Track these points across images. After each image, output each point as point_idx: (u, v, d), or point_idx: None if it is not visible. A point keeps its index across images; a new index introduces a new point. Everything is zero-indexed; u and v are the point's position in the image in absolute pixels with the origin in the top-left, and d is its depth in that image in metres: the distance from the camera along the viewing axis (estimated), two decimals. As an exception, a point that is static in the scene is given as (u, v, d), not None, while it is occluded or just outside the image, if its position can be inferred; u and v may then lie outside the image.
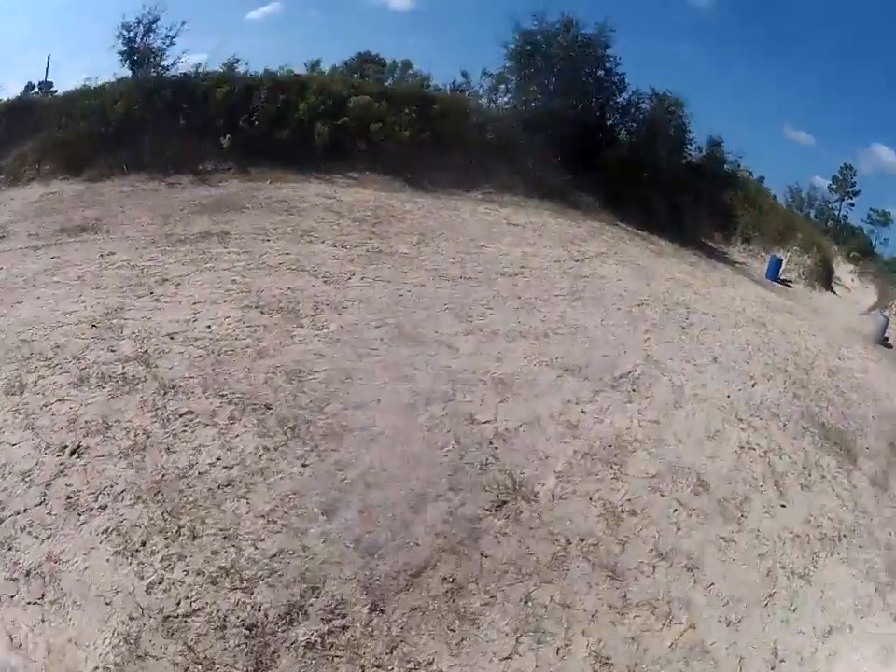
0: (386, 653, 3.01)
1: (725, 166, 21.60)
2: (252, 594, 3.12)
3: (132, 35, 13.91)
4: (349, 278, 6.95)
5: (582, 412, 5.18)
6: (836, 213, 49.32)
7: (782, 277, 18.22)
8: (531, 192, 13.65)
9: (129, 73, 13.85)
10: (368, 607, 3.18)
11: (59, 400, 4.27)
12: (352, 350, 5.35)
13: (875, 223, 48.30)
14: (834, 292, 21.00)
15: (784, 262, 18.59)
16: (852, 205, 48.51)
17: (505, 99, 17.32)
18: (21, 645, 2.77)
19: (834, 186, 48.86)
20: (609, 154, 16.89)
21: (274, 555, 3.33)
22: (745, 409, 6.00)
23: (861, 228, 48.90)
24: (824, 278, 20.34)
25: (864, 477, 5.69)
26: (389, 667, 2.96)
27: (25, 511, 3.41)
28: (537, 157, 14.75)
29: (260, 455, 3.99)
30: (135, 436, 4.01)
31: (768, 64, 60.01)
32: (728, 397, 6.13)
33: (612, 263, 9.44)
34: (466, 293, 7.05)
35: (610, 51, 17.13)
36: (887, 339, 15.76)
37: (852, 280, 30.75)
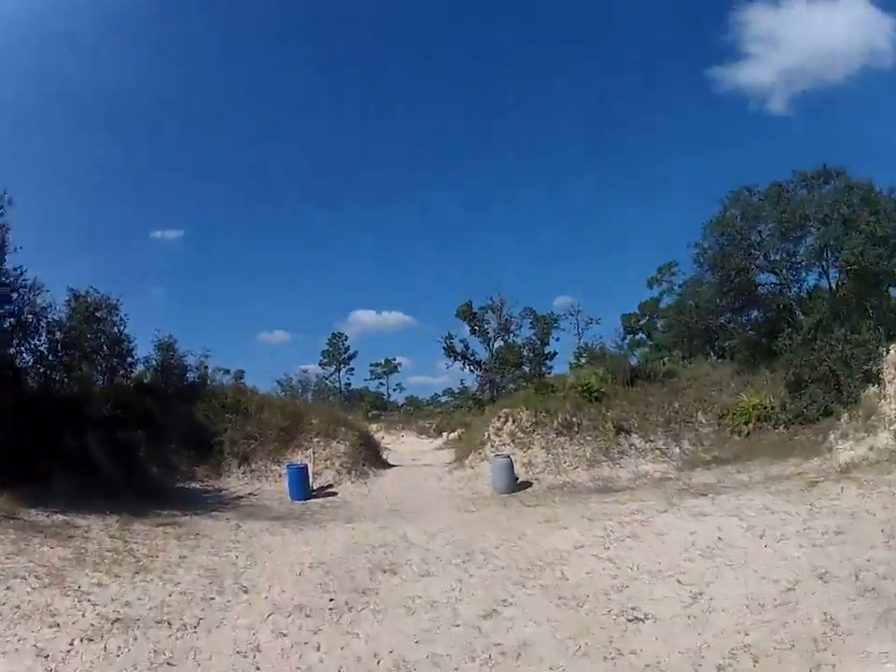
0: None
1: (189, 374, 16.56)
2: None
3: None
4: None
5: None
6: (338, 384, 51.91)
7: (316, 486, 13.70)
8: None
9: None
10: None
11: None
12: None
13: (381, 375, 54.94)
14: (390, 465, 16.79)
15: (311, 464, 14.00)
16: (352, 370, 53.13)
17: None
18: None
19: (325, 360, 52.07)
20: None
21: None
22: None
23: (366, 388, 54.07)
24: (372, 456, 16.21)
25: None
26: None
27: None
28: None
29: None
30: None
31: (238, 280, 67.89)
32: None
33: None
34: None
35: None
36: (517, 479, 13.02)
37: (401, 438, 29.53)
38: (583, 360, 32.01)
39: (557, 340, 39.61)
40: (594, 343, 36.18)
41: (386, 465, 17.24)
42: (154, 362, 16.66)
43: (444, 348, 40.00)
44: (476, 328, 39.37)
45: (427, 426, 36.73)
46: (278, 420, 15.80)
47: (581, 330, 38.71)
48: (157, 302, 58.68)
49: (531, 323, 39.75)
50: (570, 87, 68.15)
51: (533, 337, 40.21)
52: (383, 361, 56.55)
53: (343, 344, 53.89)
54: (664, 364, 17.36)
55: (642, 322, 39.44)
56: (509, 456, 13.42)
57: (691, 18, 61.50)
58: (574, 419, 14.64)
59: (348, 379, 55.46)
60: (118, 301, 15.44)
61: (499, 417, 15.67)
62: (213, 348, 18.43)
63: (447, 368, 40.28)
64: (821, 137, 51.34)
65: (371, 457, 16.45)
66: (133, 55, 64.25)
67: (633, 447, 13.87)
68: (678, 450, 13.51)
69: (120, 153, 70.22)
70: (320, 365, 52.96)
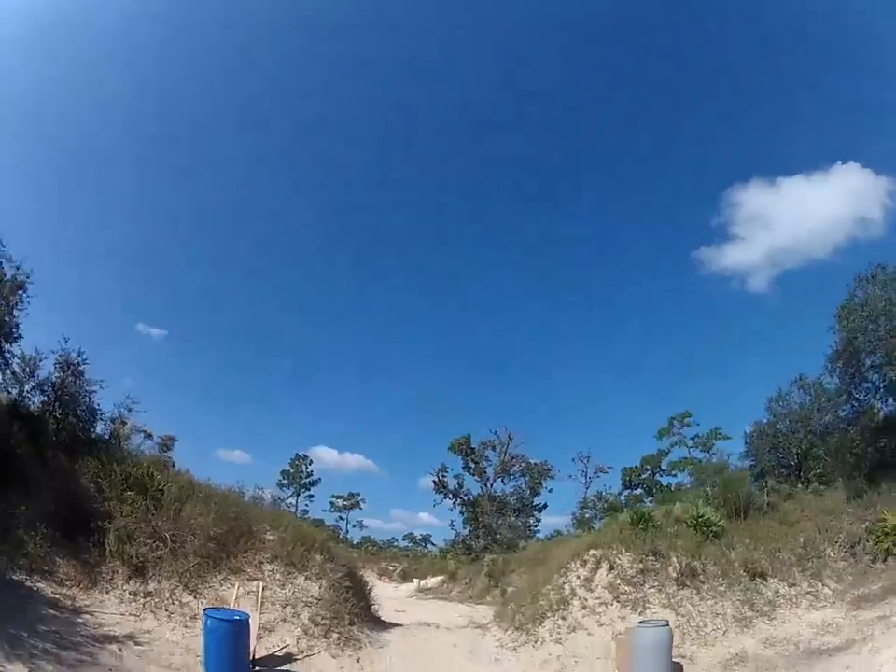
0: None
1: (98, 423, 10.83)
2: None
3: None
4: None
5: None
6: (294, 510, 45.06)
7: (262, 654, 7.87)
8: None
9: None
10: None
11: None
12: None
13: (341, 509, 52.31)
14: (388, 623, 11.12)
15: (257, 613, 8.14)
16: (312, 497, 49.26)
17: None
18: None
19: (285, 481, 47.99)
20: None
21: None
22: None
23: (321, 520, 45.67)
24: (363, 608, 10.42)
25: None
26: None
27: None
28: None
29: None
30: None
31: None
32: None
33: None
34: None
35: None
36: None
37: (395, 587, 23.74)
38: (591, 512, 29.66)
39: (550, 491, 35.79)
40: (602, 492, 33.57)
41: (382, 623, 11.01)
42: (48, 386, 10.61)
43: (435, 482, 35.04)
44: (474, 463, 34.49)
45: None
46: (209, 521, 9.52)
47: (588, 479, 35.41)
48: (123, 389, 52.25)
49: (521, 471, 35.68)
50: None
51: (522, 486, 35.62)
52: (346, 494, 52.57)
53: (307, 468, 48.85)
54: (767, 494, 14.05)
55: (643, 476, 35.73)
56: (667, 623, 8.39)
57: (685, 200, 67.38)
58: (696, 563, 10.63)
59: (306, 505, 49.44)
60: (26, 277, 9.65)
61: (585, 562, 10.88)
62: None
63: (434, 505, 34.53)
64: (801, 314, 53.53)
65: (360, 609, 10.30)
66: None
67: (778, 594, 10.36)
68: (828, 590, 10.40)
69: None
70: (278, 486, 47.02)
